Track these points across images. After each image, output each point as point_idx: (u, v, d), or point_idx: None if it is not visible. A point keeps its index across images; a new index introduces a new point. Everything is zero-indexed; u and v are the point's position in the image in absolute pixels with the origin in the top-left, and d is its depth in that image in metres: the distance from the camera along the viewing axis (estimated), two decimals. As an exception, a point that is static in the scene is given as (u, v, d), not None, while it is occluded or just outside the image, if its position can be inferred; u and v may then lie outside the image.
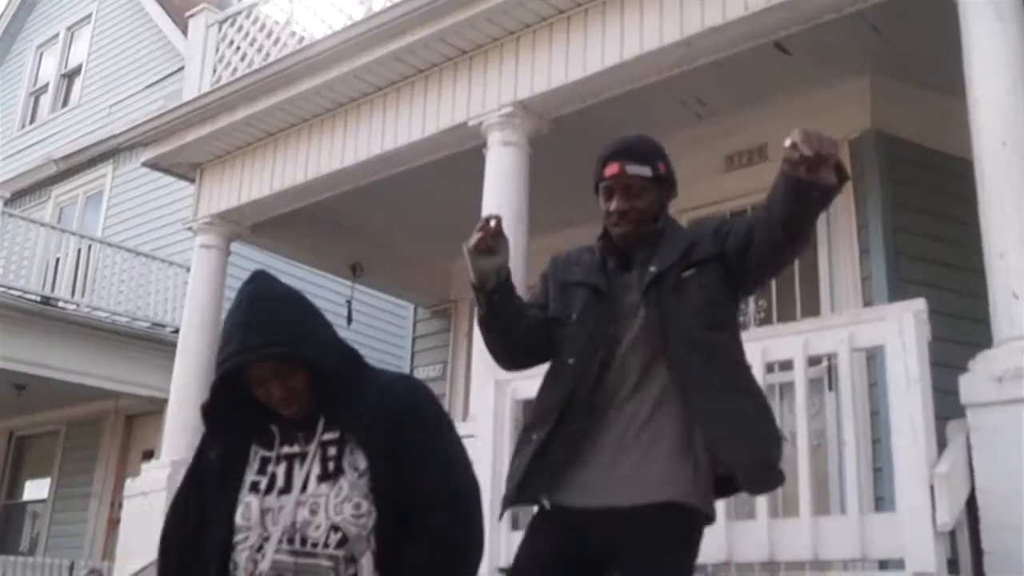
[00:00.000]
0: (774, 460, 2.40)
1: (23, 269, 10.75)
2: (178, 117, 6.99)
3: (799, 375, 3.88)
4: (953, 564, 3.53)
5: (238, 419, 2.13)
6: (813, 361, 4.89)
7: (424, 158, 6.09)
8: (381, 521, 2.04)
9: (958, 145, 4.43)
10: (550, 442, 2.42)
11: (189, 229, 7.39)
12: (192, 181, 7.43)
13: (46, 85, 15.73)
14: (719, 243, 2.48)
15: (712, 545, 3.83)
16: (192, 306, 7.07)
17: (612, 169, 2.57)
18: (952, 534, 3.54)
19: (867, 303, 5.22)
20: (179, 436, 6.85)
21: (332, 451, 2.07)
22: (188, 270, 10.68)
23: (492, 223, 2.42)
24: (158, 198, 12.00)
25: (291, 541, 2.01)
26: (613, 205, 2.55)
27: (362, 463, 2.06)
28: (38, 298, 10.73)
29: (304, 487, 2.05)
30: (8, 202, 11.78)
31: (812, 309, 5.41)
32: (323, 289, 10.81)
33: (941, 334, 3.87)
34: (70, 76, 15.39)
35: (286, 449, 2.11)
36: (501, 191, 5.35)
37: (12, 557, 11.22)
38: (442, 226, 7.45)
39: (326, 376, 2.07)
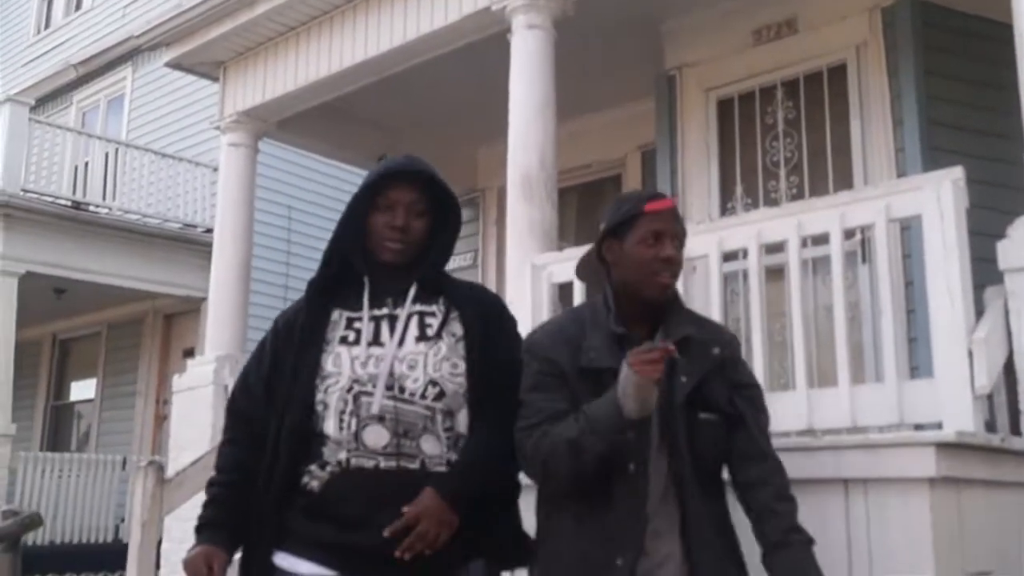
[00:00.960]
0: None
1: (53, 175, 10.86)
2: (198, 15, 6.91)
3: (835, 248, 3.89)
4: (990, 425, 3.60)
5: (331, 280, 2.35)
6: (848, 234, 4.90)
7: (448, 46, 6.02)
8: (472, 379, 2.26)
9: (995, 8, 4.34)
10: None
11: (216, 128, 7.39)
12: (216, 80, 7.39)
13: (59, -13, 15.56)
14: (732, 376, 2.37)
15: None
16: (224, 204, 7.14)
17: (664, 204, 2.36)
18: (990, 397, 3.59)
19: (901, 174, 5.19)
20: (221, 332, 7.00)
21: (430, 319, 2.30)
22: (215, 170, 10.77)
23: (664, 352, 2.11)
24: (179, 99, 11.99)
25: (389, 388, 2.20)
26: (665, 251, 2.30)
27: (459, 331, 2.30)
28: (69, 203, 10.88)
29: (401, 344, 2.25)
30: (32, 109, 11.81)
31: (845, 183, 5.39)
32: (349, 184, 10.84)
33: (978, 202, 3.85)
34: (80, -23, 15.20)
35: (375, 312, 2.31)
36: (527, 77, 5.29)
37: (68, 454, 11.66)
38: (468, 115, 7.43)
39: (440, 238, 2.35)
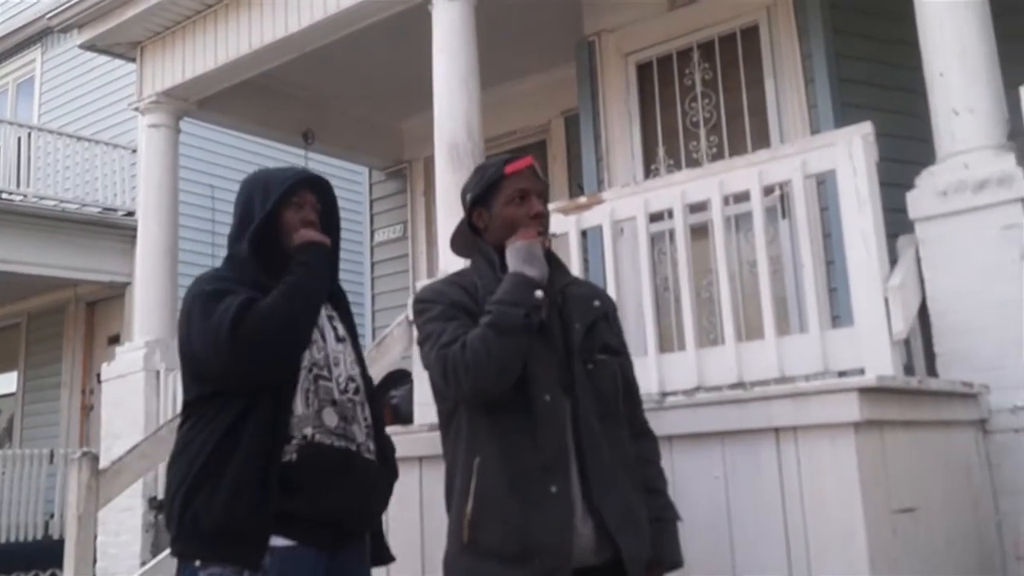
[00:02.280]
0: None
1: (-38, 161, 10.52)
2: (112, -6, 6.79)
3: (756, 205, 4.03)
4: (908, 368, 3.79)
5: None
6: (767, 191, 5.06)
7: (369, 19, 6.00)
8: (366, 381, 2.61)
9: (897, -33, 4.50)
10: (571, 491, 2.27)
11: (136, 109, 7.27)
12: (133, 60, 7.26)
13: (-42, -33, 14.99)
14: (618, 339, 2.52)
15: (681, 374, 4.09)
16: (147, 187, 7.04)
17: (523, 162, 2.48)
18: (907, 342, 3.78)
19: (815, 131, 5.36)
20: (149, 316, 6.92)
21: (335, 322, 2.58)
22: (134, 151, 10.56)
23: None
24: (93, 79, 11.71)
25: (329, 375, 2.48)
26: (534, 208, 2.44)
27: (348, 335, 2.60)
28: (-19, 191, 10.55)
29: (323, 338, 2.49)
30: (-66, 95, 11.41)
31: (762, 141, 5.56)
32: (275, 161, 10.71)
33: (888, 155, 4.03)
34: (-18, -44, 14.68)
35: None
36: (450, 48, 5.33)
37: (-12, 450, 11.30)
38: (391, 87, 7.44)
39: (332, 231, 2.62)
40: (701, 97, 6.01)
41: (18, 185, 10.87)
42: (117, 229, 10.74)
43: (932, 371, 3.80)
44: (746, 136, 5.72)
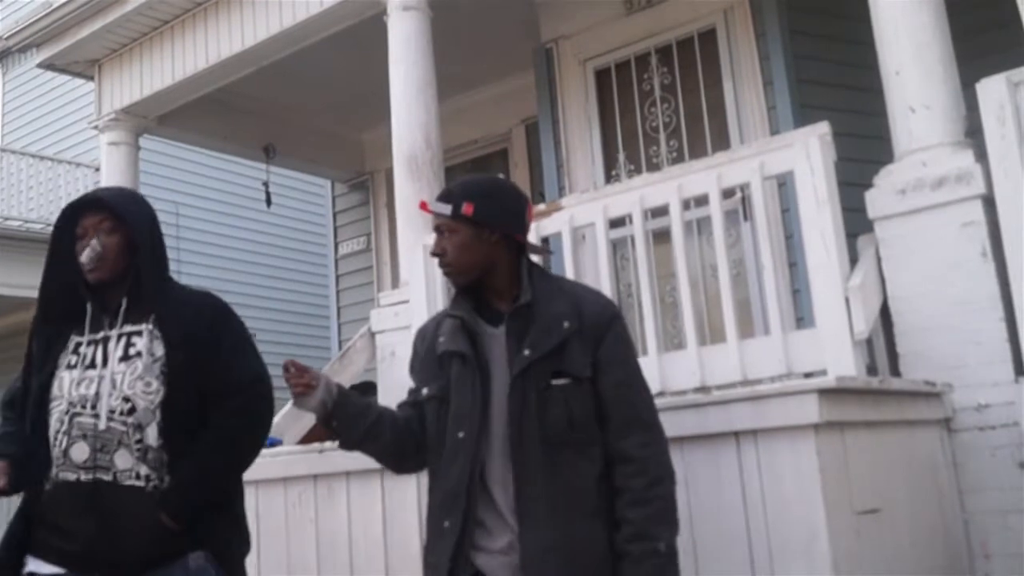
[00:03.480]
0: None
1: (-80, 185, 10.42)
2: (68, 13, 6.71)
3: (715, 208, 4.02)
4: (872, 368, 3.78)
5: (65, 306, 2.54)
6: (727, 194, 5.05)
7: (325, 31, 5.97)
8: (169, 398, 2.44)
9: (851, -33, 4.51)
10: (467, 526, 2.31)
11: (95, 128, 7.20)
12: (91, 79, 7.19)
13: (-86, -12, 14.84)
14: (593, 361, 2.34)
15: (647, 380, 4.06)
16: (108, 206, 6.95)
17: (422, 206, 2.58)
18: (869, 341, 3.77)
19: (774, 133, 5.36)
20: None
21: (135, 339, 2.49)
22: (97, 170, 10.45)
23: (291, 369, 2.39)
24: (55, 99, 11.63)
25: (94, 407, 2.43)
26: (431, 248, 2.51)
27: (159, 351, 2.47)
28: (-56, 213, 10.44)
29: (105, 364, 2.47)
30: None
31: (722, 144, 5.55)
32: (238, 176, 10.70)
33: (846, 155, 4.03)
34: (-63, -22, 14.53)
35: (96, 335, 2.52)
36: (406, 58, 5.30)
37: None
38: (351, 99, 7.40)
39: (135, 250, 2.51)
40: (660, 102, 6.01)
41: (-19, 206, 10.76)
42: (82, 248, 10.62)
43: (896, 371, 3.79)
44: (706, 139, 5.72)
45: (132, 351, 2.47)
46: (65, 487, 2.42)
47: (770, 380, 3.74)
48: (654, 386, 3.96)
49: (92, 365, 2.49)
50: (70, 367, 2.51)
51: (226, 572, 2.48)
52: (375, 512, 3.60)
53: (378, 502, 3.60)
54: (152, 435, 2.42)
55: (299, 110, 7.71)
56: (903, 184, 3.85)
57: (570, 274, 4.37)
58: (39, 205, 10.99)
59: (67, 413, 2.44)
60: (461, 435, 2.32)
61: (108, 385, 2.43)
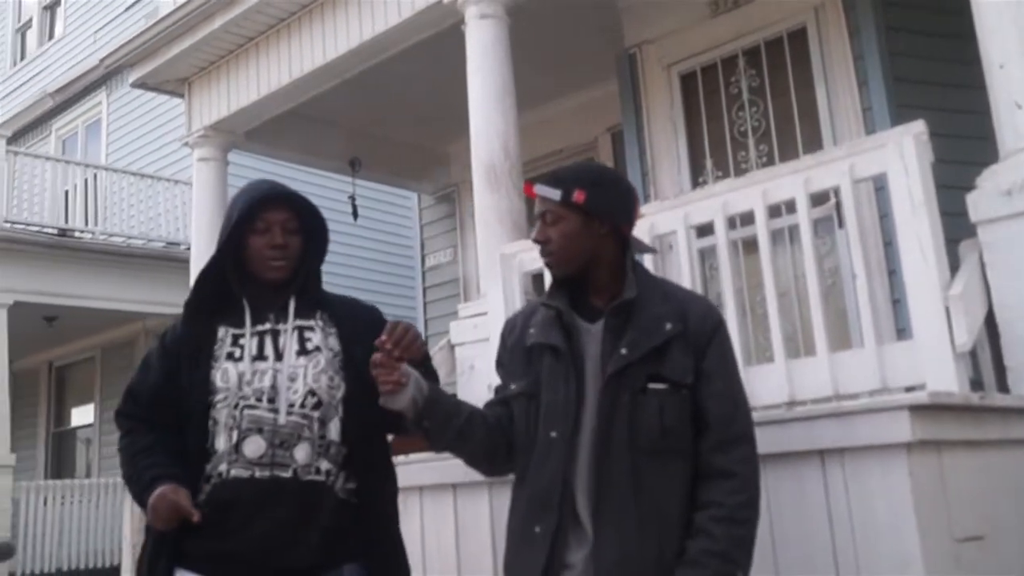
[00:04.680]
0: None
1: (35, 205, 10.84)
2: (158, 33, 6.88)
3: (802, 213, 3.83)
4: (976, 383, 3.53)
5: (214, 302, 2.44)
6: (819, 199, 4.84)
7: (404, 43, 5.97)
8: (349, 394, 2.37)
9: (950, -43, 4.27)
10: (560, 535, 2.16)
11: (186, 144, 7.34)
12: (182, 96, 7.34)
13: (30, 20, 15.54)
14: (697, 362, 2.19)
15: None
16: (199, 220, 7.08)
17: (526, 189, 2.42)
18: (973, 354, 3.52)
19: (870, 134, 5.12)
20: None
21: (309, 334, 2.41)
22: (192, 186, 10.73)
23: (377, 357, 2.15)
24: (154, 119, 11.97)
25: (271, 400, 2.32)
26: (533, 234, 2.34)
27: (336, 346, 2.41)
28: (55, 231, 10.87)
29: (280, 357, 2.37)
30: (11, 140, 11.74)
31: (815, 148, 5.30)
32: (324, 189, 10.76)
33: (946, 156, 3.80)
34: (51, 7, 15.18)
35: (258, 327, 2.41)
36: (484, 67, 5.23)
37: (68, 481, 11.66)
38: (435, 111, 7.38)
39: (315, 254, 2.45)
40: (748, 105, 5.81)
41: (87, 223, 11.15)
42: (180, 263, 10.87)
43: (1003, 386, 3.53)
44: (797, 144, 5.49)
45: (309, 345, 2.39)
46: (236, 484, 2.28)
47: (867, 395, 3.53)
48: (740, 401, 3.82)
49: (262, 357, 2.37)
50: (234, 359, 2.37)
51: None
52: (448, 527, 3.52)
53: (451, 516, 3.52)
54: (335, 430, 2.34)
55: (383, 123, 7.73)
56: (1009, 185, 3.59)
57: (652, 284, 4.22)
58: (139, 222, 11.32)
59: (237, 407, 2.32)
60: (554, 435, 2.18)
61: (285, 378, 2.33)
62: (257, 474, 2.28)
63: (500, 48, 5.22)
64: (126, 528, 4.82)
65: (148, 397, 2.45)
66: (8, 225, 10.43)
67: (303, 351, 2.37)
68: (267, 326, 2.41)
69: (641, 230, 4.27)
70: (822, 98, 5.48)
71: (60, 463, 13.77)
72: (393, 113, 7.45)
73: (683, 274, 4.19)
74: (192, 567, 2.29)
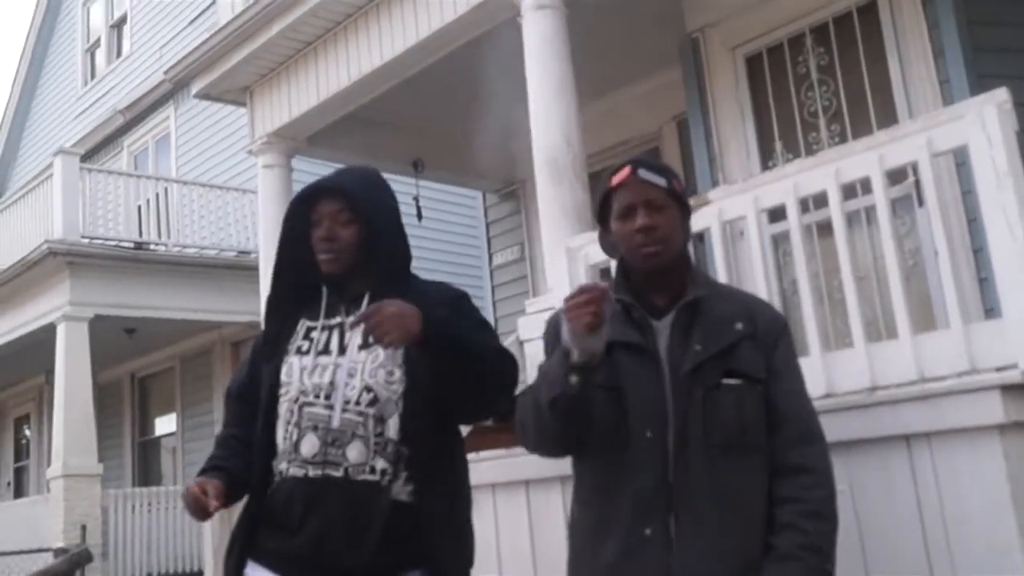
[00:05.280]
0: None
1: (111, 220, 11.08)
2: (218, 43, 6.91)
3: (878, 191, 3.66)
4: (1073, 361, 3.33)
5: (294, 295, 2.43)
6: (896, 178, 4.65)
7: (461, 39, 5.90)
8: (410, 390, 2.26)
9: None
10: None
11: (249, 152, 7.39)
12: (244, 105, 7.38)
13: (98, 39, 15.91)
14: (767, 361, 2.18)
15: (809, 382, 3.71)
16: (265, 226, 7.10)
17: (622, 175, 2.23)
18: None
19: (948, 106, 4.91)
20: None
21: None
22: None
23: (595, 293, 1.97)
24: (221, 130, 12.15)
25: (328, 397, 2.28)
26: (637, 222, 2.19)
27: None
28: (131, 244, 11.08)
29: (343, 351, 2.32)
30: (86, 157, 12.00)
31: (889, 126, 5.11)
32: (396, 193, 10.82)
33: (1032, 127, 3.59)
34: (118, 26, 15.50)
35: (331, 320, 2.38)
36: (542, 59, 5.13)
37: (155, 488, 11.92)
38: (495, 107, 7.27)
39: (375, 242, 2.35)
40: (818, 84, 5.61)
41: (161, 235, 11.35)
42: (252, 271, 10.96)
43: (1099, 362, 3.32)
44: (871, 121, 5.27)
45: (371, 338, 2.27)
46: (292, 483, 2.27)
47: (955, 378, 3.37)
48: (819, 388, 3.66)
49: (326, 351, 2.34)
50: (300, 352, 2.36)
51: None
52: (522, 524, 3.45)
53: (524, 513, 3.45)
54: (394, 427, 2.26)
55: (444, 122, 7.68)
56: (1101, 152, 3.39)
57: (724, 272, 4.09)
58: (211, 232, 11.51)
59: (296, 402, 2.30)
60: (649, 435, 2.11)
61: (344, 374, 2.29)
62: (311, 473, 2.25)
63: (558, 39, 5.11)
64: (207, 533, 4.85)
65: (236, 393, 2.50)
66: (86, 241, 10.70)
67: (365, 345, 2.31)
68: (338, 319, 2.38)
69: (709, 216, 4.15)
70: (895, 72, 5.27)
71: (146, 471, 14.07)
72: (454, 112, 7.38)
73: (754, 261, 4.05)
74: (261, 561, 2.30)
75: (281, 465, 2.30)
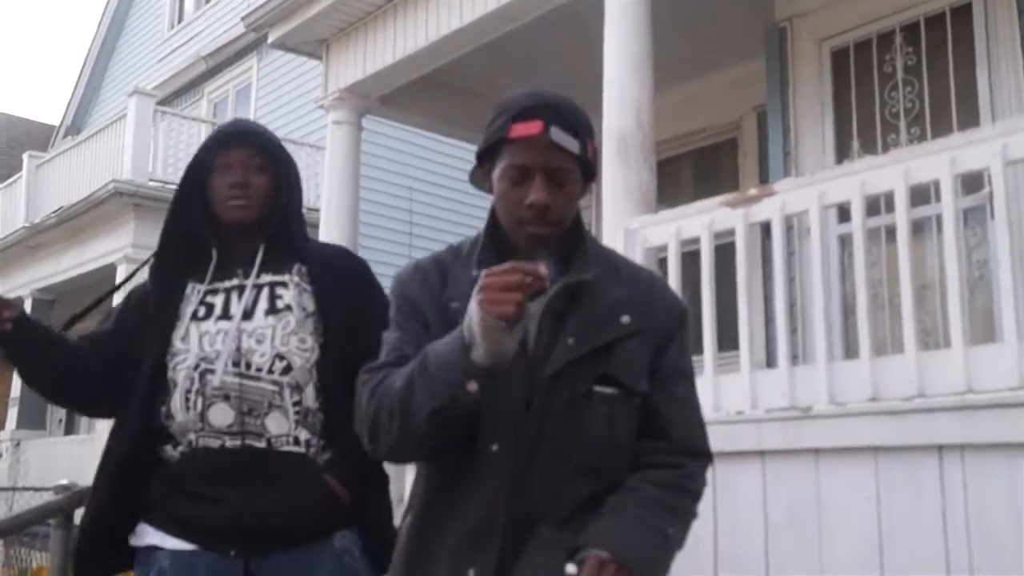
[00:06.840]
0: None
1: (182, 166, 11.09)
2: (298, -8, 6.92)
3: (946, 195, 3.54)
4: None
5: (185, 250, 2.28)
6: (973, 186, 4.50)
7: (542, 7, 5.80)
8: (324, 358, 2.18)
9: None
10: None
11: (321, 106, 7.39)
12: (320, 58, 7.38)
13: (189, -19, 16.01)
14: (655, 358, 1.73)
15: (854, 385, 3.60)
16: (330, 183, 7.10)
17: (532, 128, 1.67)
18: None
19: (1031, 116, 4.73)
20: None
21: (281, 290, 2.22)
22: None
23: (530, 277, 1.48)
24: (301, 84, 12.17)
25: (236, 364, 2.14)
26: (532, 195, 1.67)
27: (311, 305, 2.22)
28: (199, 193, 11.15)
29: (248, 317, 2.18)
30: (165, 101, 12.10)
31: (972, 132, 4.95)
32: (456, 159, 10.79)
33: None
34: (210, -31, 15.59)
35: (225, 283, 2.24)
36: (621, 33, 5.02)
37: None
38: (572, 81, 7.14)
39: (281, 196, 2.24)
40: (903, 85, 5.43)
41: (230, 186, 11.42)
42: (312, 228, 11.06)
43: None
44: (953, 128, 5.10)
45: (280, 303, 2.19)
46: (204, 454, 2.14)
47: (1004, 392, 3.23)
48: (864, 393, 3.55)
49: (226, 316, 2.19)
50: (197, 318, 2.21)
51: (373, 554, 2.19)
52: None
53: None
54: (311, 396, 2.15)
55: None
56: None
57: (778, 266, 4.00)
58: (279, 186, 11.54)
59: (196, 369, 2.14)
60: (495, 448, 1.64)
61: (252, 340, 2.15)
62: (228, 444, 2.13)
63: (640, 13, 5.00)
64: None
65: (92, 335, 2.33)
66: (155, 184, 10.75)
67: (272, 310, 2.19)
68: (235, 281, 2.24)
69: (771, 208, 4.05)
70: (983, 80, 5.08)
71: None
72: (527, 82, 7.24)
73: (813, 259, 3.96)
74: (166, 528, 2.17)
75: (188, 436, 2.15)
